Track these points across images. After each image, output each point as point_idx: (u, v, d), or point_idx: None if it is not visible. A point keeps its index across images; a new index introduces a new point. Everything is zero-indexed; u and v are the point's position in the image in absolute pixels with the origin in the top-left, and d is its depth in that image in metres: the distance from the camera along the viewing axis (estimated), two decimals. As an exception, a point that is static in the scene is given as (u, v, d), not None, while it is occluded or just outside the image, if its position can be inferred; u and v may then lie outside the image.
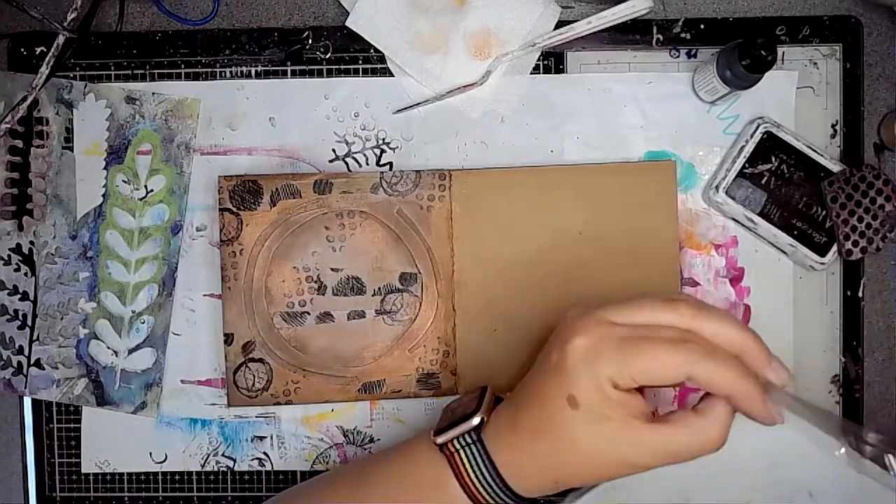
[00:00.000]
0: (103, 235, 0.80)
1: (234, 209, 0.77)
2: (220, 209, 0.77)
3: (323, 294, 0.78)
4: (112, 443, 0.81)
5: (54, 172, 0.80)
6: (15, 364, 0.80)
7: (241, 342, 0.77)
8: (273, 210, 0.77)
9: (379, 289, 0.78)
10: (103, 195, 0.80)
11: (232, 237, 0.77)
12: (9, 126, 0.77)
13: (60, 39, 0.76)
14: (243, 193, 0.77)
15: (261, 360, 0.78)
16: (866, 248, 0.75)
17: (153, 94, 0.80)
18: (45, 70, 0.76)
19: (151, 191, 0.80)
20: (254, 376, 0.78)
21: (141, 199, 0.80)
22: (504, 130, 0.79)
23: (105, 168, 0.80)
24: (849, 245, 0.75)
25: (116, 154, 0.80)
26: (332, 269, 0.78)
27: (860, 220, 0.75)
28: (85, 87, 0.80)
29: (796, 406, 0.59)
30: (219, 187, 0.77)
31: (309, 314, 0.78)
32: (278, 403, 0.78)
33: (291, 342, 0.78)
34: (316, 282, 0.78)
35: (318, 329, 0.78)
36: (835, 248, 0.75)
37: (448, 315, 0.78)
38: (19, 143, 0.80)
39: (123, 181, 0.80)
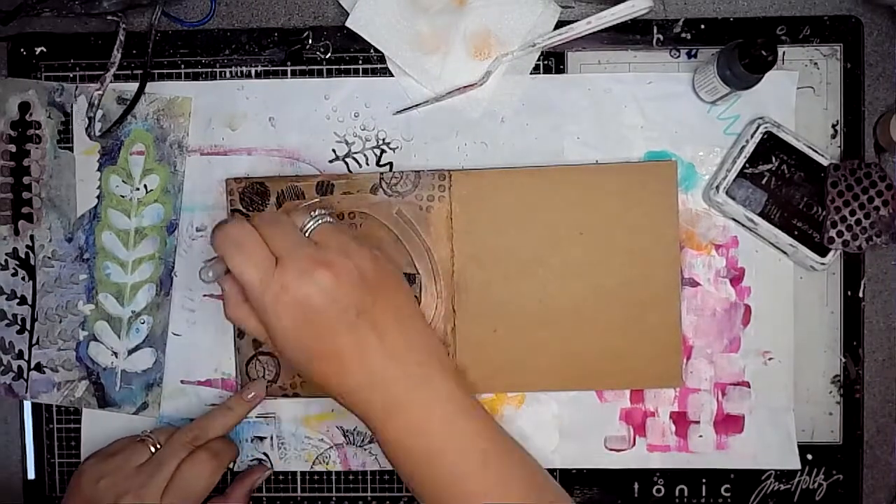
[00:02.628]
0: (99, 237, 0.80)
1: (244, 210, 0.77)
2: (231, 210, 0.78)
3: None
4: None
5: (48, 175, 0.80)
6: (15, 369, 0.80)
7: (252, 335, 0.78)
8: (279, 211, 0.77)
9: None
10: (98, 196, 0.80)
11: None
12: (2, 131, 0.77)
13: (122, 36, 0.77)
14: (252, 195, 0.77)
15: (269, 354, 0.79)
16: (848, 241, 0.75)
17: (145, 93, 0.79)
18: (113, 63, 0.77)
19: (146, 190, 0.80)
20: (264, 369, 0.79)
21: (136, 200, 0.80)
22: (504, 130, 0.79)
23: (99, 169, 0.80)
24: (832, 233, 0.75)
25: (109, 155, 0.80)
26: None
27: (852, 213, 0.75)
28: (76, 90, 0.80)
29: None
30: (229, 189, 0.78)
31: None
32: (286, 396, 0.79)
33: None
34: None
35: (321, 327, 0.78)
36: (834, 249, 0.75)
37: (448, 315, 0.77)
38: (13, 148, 0.80)
39: (117, 182, 0.80)
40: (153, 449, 0.74)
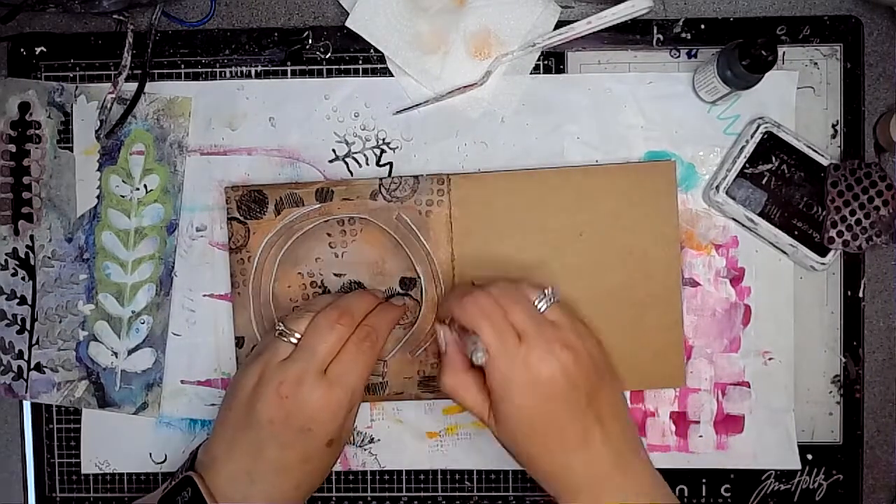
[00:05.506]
0: (99, 237, 0.80)
1: (242, 218, 0.77)
2: (228, 218, 0.78)
3: None
4: (112, 443, 0.80)
5: (48, 175, 0.80)
6: (15, 369, 0.80)
7: (251, 345, 0.78)
8: (278, 218, 0.77)
9: (380, 293, 0.78)
10: (98, 196, 0.80)
11: (240, 245, 0.77)
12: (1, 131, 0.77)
13: (131, 38, 0.77)
14: (249, 203, 0.77)
15: None
16: (849, 241, 0.75)
17: (144, 93, 0.79)
18: (124, 66, 0.78)
19: (146, 190, 0.80)
20: None
21: (136, 200, 0.80)
22: (504, 131, 0.79)
23: (99, 169, 0.80)
24: (832, 233, 0.75)
25: (109, 155, 0.80)
26: (335, 275, 0.78)
27: (852, 213, 0.75)
28: (76, 90, 0.80)
29: None
30: (226, 197, 0.78)
31: None
32: None
33: None
34: (320, 287, 0.78)
35: (322, 333, 0.78)
36: (834, 249, 0.75)
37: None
38: (12, 148, 0.80)
39: (117, 182, 0.80)
40: (294, 340, 0.70)
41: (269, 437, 0.68)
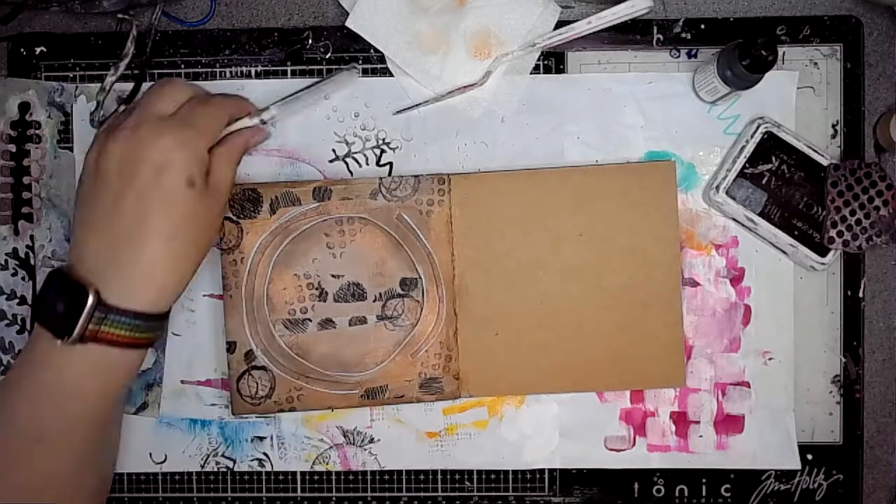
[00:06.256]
0: (100, 236, 0.80)
1: (234, 217, 0.77)
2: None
3: (324, 301, 0.77)
4: (111, 443, 0.80)
5: (48, 175, 0.80)
6: (15, 369, 0.80)
7: (243, 350, 0.77)
8: (273, 218, 0.77)
9: (380, 294, 0.77)
10: (98, 196, 0.80)
11: (232, 245, 0.77)
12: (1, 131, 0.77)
13: (134, 31, 0.78)
14: (243, 202, 0.77)
15: (263, 368, 0.78)
16: (849, 241, 0.75)
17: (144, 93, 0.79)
18: (126, 54, 0.78)
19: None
20: (257, 384, 0.78)
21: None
22: (504, 131, 0.79)
23: (99, 169, 0.80)
24: (832, 233, 0.75)
25: (110, 154, 0.80)
26: (333, 276, 0.77)
27: (852, 213, 0.75)
28: (76, 90, 0.80)
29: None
30: None
31: (310, 321, 0.78)
32: (282, 410, 0.78)
33: (293, 349, 0.78)
34: (317, 288, 0.77)
35: (320, 336, 0.78)
36: (834, 249, 0.75)
37: (450, 319, 0.77)
38: (12, 148, 0.80)
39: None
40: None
41: (123, 192, 0.65)
